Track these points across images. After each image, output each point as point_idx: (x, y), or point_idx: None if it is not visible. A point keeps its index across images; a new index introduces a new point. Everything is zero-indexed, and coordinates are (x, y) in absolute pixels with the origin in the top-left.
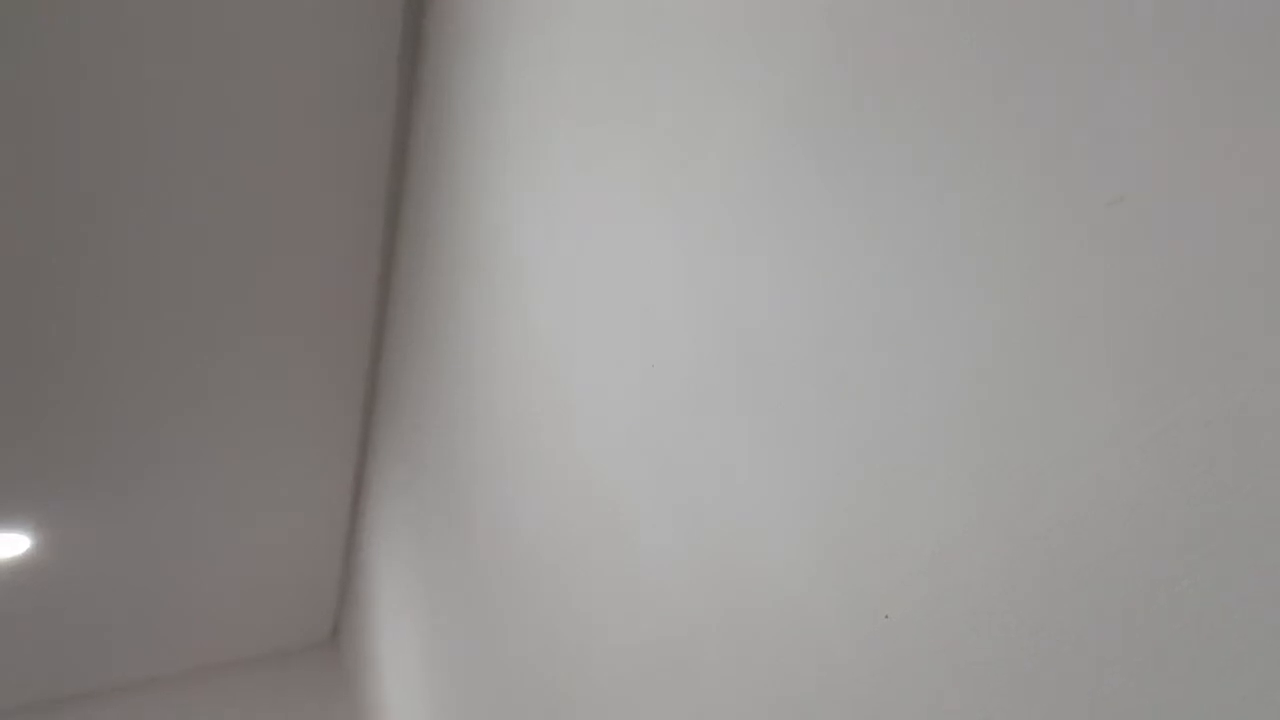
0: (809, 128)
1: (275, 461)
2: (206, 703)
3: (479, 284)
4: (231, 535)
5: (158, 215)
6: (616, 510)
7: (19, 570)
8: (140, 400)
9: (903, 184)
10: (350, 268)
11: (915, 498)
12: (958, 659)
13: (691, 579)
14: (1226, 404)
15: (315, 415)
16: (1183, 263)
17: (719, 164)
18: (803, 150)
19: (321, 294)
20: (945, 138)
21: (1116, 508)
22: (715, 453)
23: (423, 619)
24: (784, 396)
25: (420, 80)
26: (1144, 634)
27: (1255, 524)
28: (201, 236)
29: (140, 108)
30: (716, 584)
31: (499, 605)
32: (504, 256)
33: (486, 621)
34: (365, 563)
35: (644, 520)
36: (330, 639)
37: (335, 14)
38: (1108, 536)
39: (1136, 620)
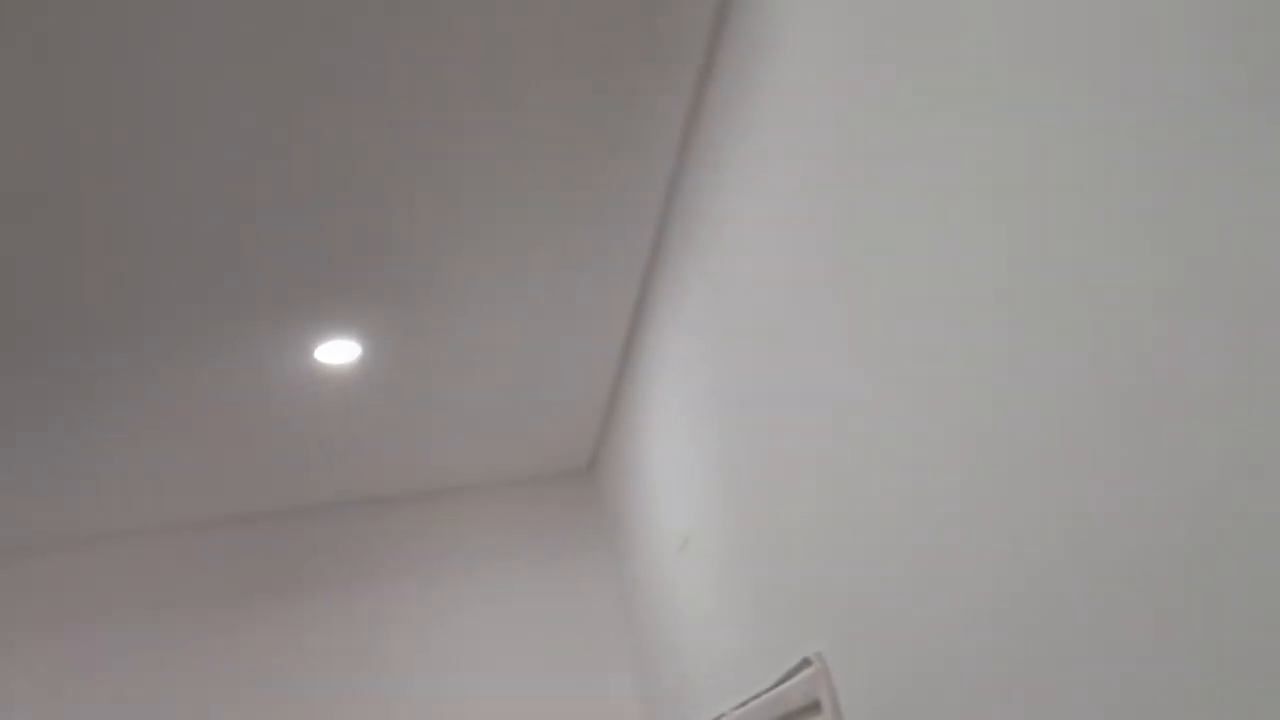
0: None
1: (564, 300)
2: (477, 515)
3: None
4: (517, 363)
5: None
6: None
7: (351, 375)
8: (456, 237)
9: None
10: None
11: None
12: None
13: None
14: None
15: (604, 256)
16: None
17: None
18: None
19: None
20: None
21: None
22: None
23: (692, 456)
24: None
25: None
26: None
27: None
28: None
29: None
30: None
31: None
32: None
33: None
34: (632, 395)
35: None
36: (587, 470)
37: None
38: None
39: None
